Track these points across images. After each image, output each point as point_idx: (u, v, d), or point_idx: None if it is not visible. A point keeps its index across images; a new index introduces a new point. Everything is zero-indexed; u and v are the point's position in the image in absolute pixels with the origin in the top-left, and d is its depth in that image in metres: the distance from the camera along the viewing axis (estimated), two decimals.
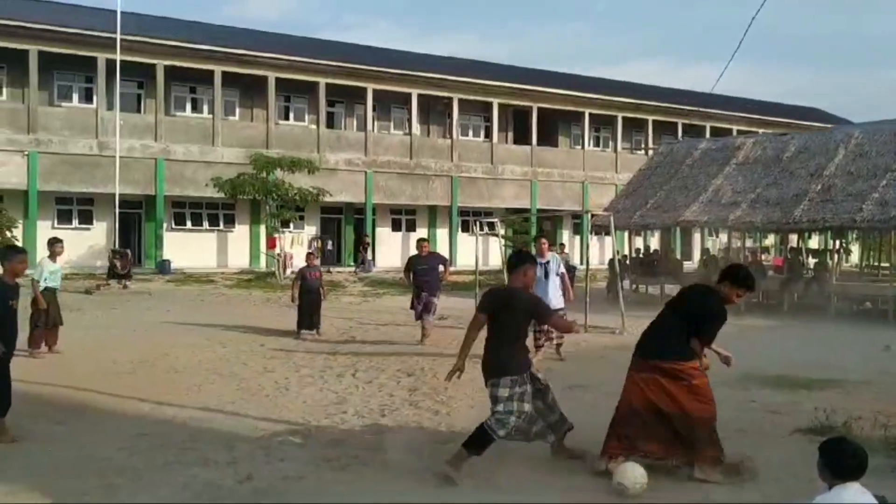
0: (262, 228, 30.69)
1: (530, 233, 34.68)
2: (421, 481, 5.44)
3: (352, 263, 33.97)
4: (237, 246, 32.03)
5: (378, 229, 34.78)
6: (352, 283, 26.14)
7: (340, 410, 7.69)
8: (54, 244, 11.67)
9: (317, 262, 14.78)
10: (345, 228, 35.39)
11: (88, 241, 29.07)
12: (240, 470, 5.66)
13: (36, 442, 6.20)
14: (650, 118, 40.43)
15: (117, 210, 27.54)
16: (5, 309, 6.28)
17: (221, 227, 32.20)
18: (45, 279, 10.99)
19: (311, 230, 33.97)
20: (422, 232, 36.19)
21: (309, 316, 13.33)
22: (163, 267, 27.77)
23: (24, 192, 27.48)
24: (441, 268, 12.86)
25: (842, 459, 3.74)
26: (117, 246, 26.37)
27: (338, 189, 31.04)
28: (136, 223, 30.73)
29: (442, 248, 36.35)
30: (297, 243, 31.24)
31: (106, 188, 27.89)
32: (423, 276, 12.54)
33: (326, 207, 33.27)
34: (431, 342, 12.11)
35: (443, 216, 36.48)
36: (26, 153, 27.32)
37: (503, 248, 23.17)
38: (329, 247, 34.60)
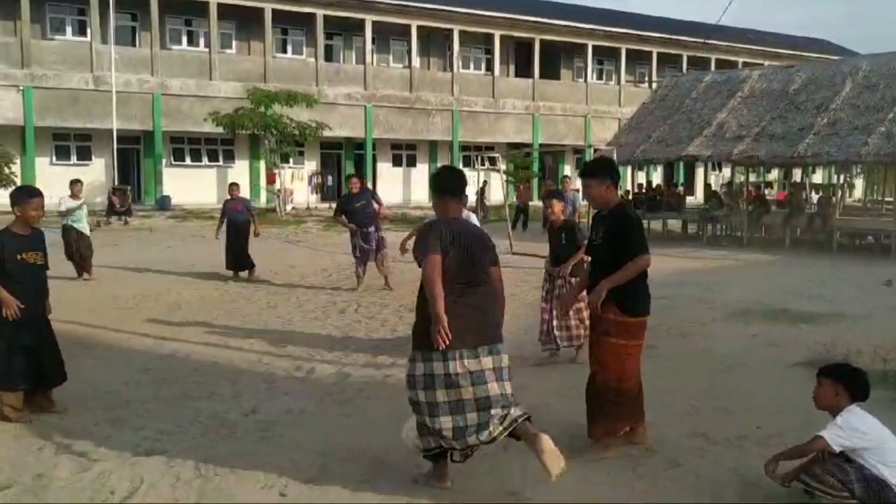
0: (262, 164, 30.52)
1: (532, 167, 34.52)
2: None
3: None
4: (237, 182, 31.83)
5: (379, 164, 34.55)
6: None
7: (343, 346, 7.74)
8: (73, 184, 12.44)
9: (238, 193, 13.52)
10: (345, 163, 35.16)
11: (87, 178, 28.61)
12: (244, 403, 5.71)
13: None
14: (654, 50, 39.76)
15: (115, 146, 27.31)
16: (18, 264, 5.26)
17: (221, 162, 31.99)
18: (64, 215, 12.10)
19: (310, 165, 33.76)
20: (422, 168, 35.99)
21: (233, 256, 12.67)
22: (163, 203, 27.69)
23: (20, 127, 27.23)
24: (375, 205, 11.70)
25: (861, 382, 3.85)
26: (116, 182, 26.25)
27: (337, 123, 30.73)
28: (134, 159, 30.52)
29: None
30: (297, 178, 31.09)
31: (103, 124, 27.61)
32: (363, 213, 11.33)
33: (326, 142, 32.98)
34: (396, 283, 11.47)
35: (444, 151, 36.19)
36: (21, 88, 26.96)
37: (504, 183, 23.05)
38: (329, 182, 34.45)
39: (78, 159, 29.31)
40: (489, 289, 4.12)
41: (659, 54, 39.93)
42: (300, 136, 27.68)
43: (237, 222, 12.72)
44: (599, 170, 4.82)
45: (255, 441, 4.93)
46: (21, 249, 5.29)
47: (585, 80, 39.03)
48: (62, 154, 29.13)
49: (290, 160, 29.97)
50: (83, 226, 12.41)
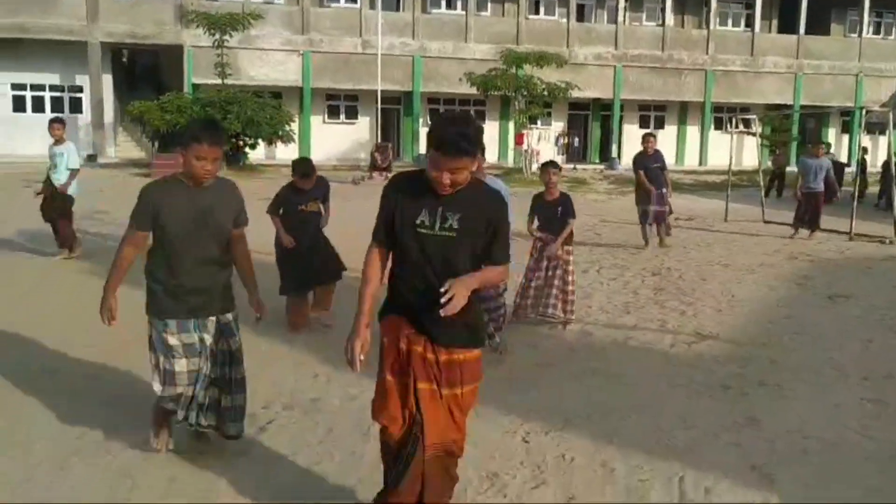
0: (511, 124, 31.38)
1: (791, 131, 32.35)
2: (671, 384, 5.80)
3: (597, 160, 33.90)
4: (486, 142, 32.82)
5: (625, 126, 34.14)
6: (597, 181, 26.21)
7: (585, 305, 8.06)
8: (52, 124, 9.72)
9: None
10: (591, 125, 35.14)
11: (353, 135, 31.55)
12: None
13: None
14: None
15: (379, 106, 29.43)
16: (298, 214, 6.71)
17: None
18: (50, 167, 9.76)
19: (557, 126, 34.15)
20: (671, 130, 35.03)
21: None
22: (419, 160, 29.51)
23: (299, 88, 30.19)
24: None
25: None
26: (379, 140, 28.33)
27: (586, 84, 30.72)
28: (395, 118, 32.71)
29: (692, 147, 35.17)
30: (544, 139, 31.62)
31: (369, 85, 29.81)
32: (657, 175, 11.55)
33: (574, 103, 33.16)
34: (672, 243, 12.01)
35: (694, 113, 34.93)
36: (301, 52, 29.82)
37: (759, 147, 21.97)
38: (575, 143, 34.67)
39: (346, 118, 32.04)
40: None
41: None
42: (549, 97, 28.13)
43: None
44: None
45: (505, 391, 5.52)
46: (300, 202, 6.70)
47: (859, 35, 35.51)
48: (333, 113, 31.97)
49: (538, 121, 30.55)
50: (59, 178, 9.69)
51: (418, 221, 3.00)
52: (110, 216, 13.22)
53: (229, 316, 4.04)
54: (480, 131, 3.00)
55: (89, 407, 4.80)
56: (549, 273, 7.02)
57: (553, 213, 7.00)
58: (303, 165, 6.81)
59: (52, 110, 28.07)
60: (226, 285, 4.05)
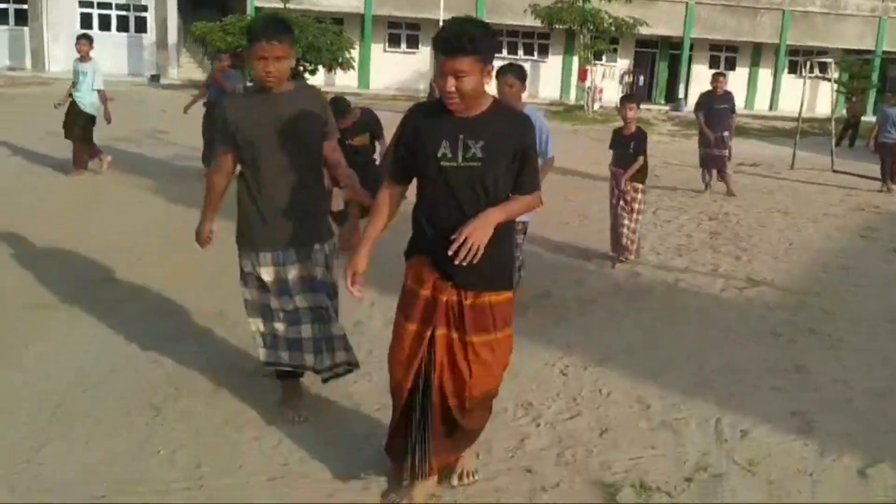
0: (575, 60, 30.63)
1: (871, 78, 30.91)
2: (718, 327, 5.71)
3: (662, 101, 33.00)
4: (549, 77, 32.41)
5: (694, 67, 33.04)
6: (661, 122, 25.57)
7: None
8: (76, 41, 9.72)
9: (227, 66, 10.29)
10: (658, 64, 34.09)
11: (414, 65, 31.18)
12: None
13: None
14: None
15: None
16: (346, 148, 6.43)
17: (535, 56, 32.63)
18: (74, 84, 9.62)
19: (622, 64, 33.23)
20: (742, 72, 33.79)
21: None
22: None
23: (360, 16, 29.89)
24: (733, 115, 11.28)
25: None
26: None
27: (655, 20, 29.65)
28: None
29: (763, 91, 33.94)
30: (608, 77, 30.86)
31: (431, 14, 29.28)
32: (720, 117, 11.04)
33: (641, 40, 32.14)
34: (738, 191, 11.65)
35: (767, 55, 33.59)
36: None
37: (835, 94, 21.07)
38: (640, 82, 33.72)
39: (407, 47, 31.68)
40: None
41: None
42: (615, 33, 27.29)
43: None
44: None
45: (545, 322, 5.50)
46: (345, 136, 6.29)
47: None
48: (393, 42, 31.63)
49: (603, 57, 29.72)
50: (81, 97, 9.60)
51: (440, 154, 2.78)
52: (170, 136, 13.44)
53: (327, 246, 3.66)
54: (488, 32, 2.72)
55: (135, 319, 4.95)
56: (620, 209, 7.04)
57: (627, 148, 7.02)
58: (335, 104, 6.71)
59: (118, 29, 28.41)
60: (319, 210, 3.68)
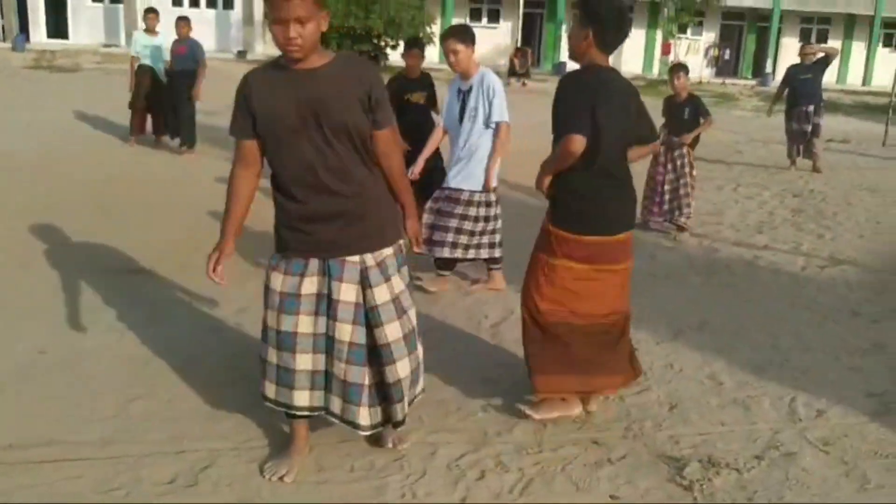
0: (658, 33, 29.91)
1: None
2: (795, 305, 5.60)
3: (749, 76, 31.95)
4: (631, 50, 31.71)
5: (783, 40, 31.82)
6: (746, 97, 24.77)
7: (716, 221, 7.84)
8: (145, 14, 10.26)
9: (190, 32, 10.01)
10: (745, 37, 32.95)
11: (494, 39, 30.95)
12: None
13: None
14: None
15: (521, 10, 28.69)
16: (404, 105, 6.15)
17: None
18: (137, 52, 10.03)
19: (708, 37, 32.24)
20: (835, 43, 32.38)
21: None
22: (559, 69, 28.78)
23: None
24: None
25: None
26: (520, 45, 27.75)
27: None
28: (538, 24, 31.84)
29: (856, 65, 32.46)
30: (693, 51, 30.04)
31: None
32: (806, 87, 10.66)
33: (728, 13, 31.14)
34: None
35: (862, 27, 32.10)
36: None
37: None
38: (726, 56, 32.67)
39: (488, 21, 31.47)
40: None
41: None
42: (701, 4, 26.52)
43: (174, 71, 10.04)
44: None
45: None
46: (409, 90, 6.35)
47: None
48: (475, 16, 31.43)
49: (688, 30, 28.96)
50: (155, 64, 10.12)
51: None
52: None
53: (385, 252, 2.87)
54: None
55: None
56: (672, 176, 7.21)
57: (681, 115, 7.25)
58: (411, 40, 6.84)
59: (207, 6, 29.06)
60: (370, 211, 2.83)
